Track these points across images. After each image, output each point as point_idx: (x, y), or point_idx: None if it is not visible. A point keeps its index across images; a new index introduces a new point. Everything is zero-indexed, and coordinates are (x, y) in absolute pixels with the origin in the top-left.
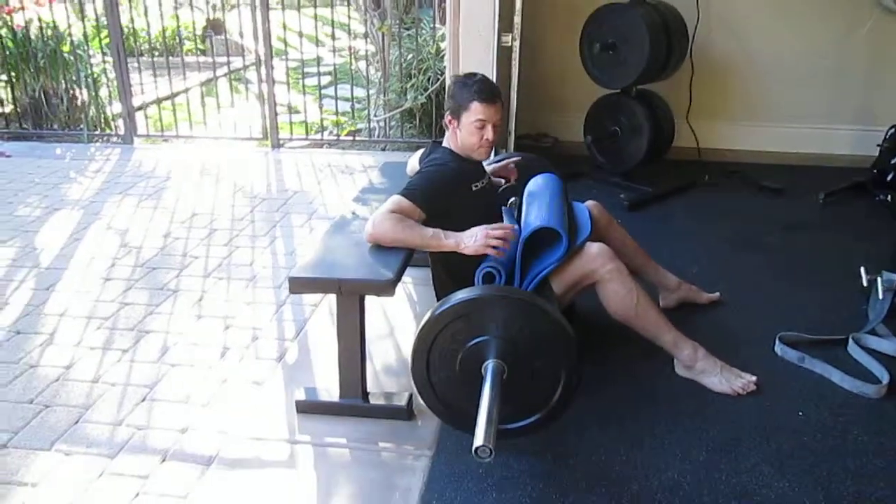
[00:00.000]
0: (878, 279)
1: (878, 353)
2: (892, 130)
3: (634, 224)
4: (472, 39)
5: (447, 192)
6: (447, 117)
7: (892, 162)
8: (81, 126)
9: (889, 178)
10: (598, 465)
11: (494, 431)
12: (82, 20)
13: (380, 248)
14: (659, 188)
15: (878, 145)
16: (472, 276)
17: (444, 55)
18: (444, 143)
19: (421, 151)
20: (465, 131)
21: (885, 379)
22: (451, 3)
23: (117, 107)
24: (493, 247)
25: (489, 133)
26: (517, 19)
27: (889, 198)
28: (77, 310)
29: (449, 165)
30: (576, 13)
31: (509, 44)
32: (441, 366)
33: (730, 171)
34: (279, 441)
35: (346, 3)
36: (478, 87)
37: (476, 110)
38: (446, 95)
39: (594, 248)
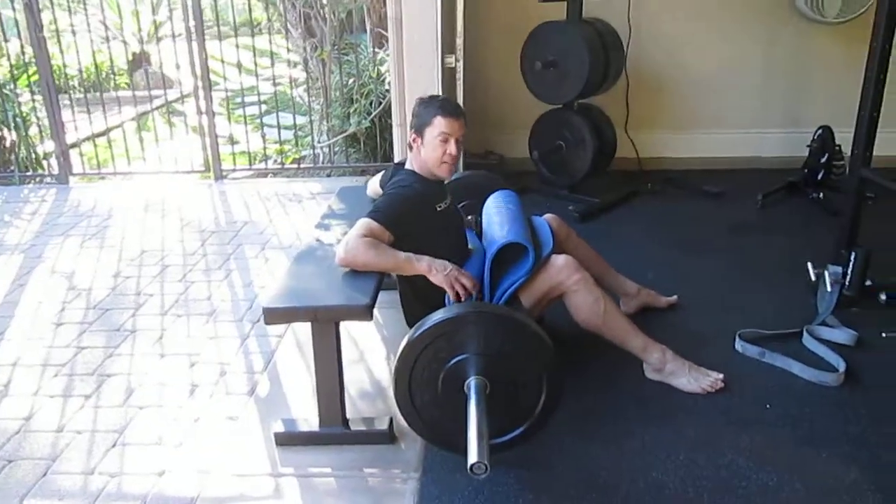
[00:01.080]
0: (825, 273)
1: (831, 342)
2: (820, 131)
3: (586, 234)
4: (416, 62)
5: (413, 213)
6: (411, 135)
7: (822, 161)
8: (12, 168)
9: (820, 176)
10: (585, 471)
11: (487, 447)
12: (6, 57)
13: (351, 273)
14: (606, 198)
15: (808, 146)
16: (439, 296)
17: (384, 79)
18: (407, 165)
19: (382, 174)
20: (429, 147)
21: (842, 367)
22: (393, 26)
23: (49, 146)
24: (456, 291)
25: (452, 148)
26: (459, 41)
27: (821, 195)
28: (30, 358)
29: (413, 187)
30: (516, 32)
31: (453, 64)
32: (424, 387)
33: (670, 178)
34: (262, 475)
35: (278, 32)
36: (441, 103)
37: (439, 124)
38: (411, 116)
39: (560, 260)
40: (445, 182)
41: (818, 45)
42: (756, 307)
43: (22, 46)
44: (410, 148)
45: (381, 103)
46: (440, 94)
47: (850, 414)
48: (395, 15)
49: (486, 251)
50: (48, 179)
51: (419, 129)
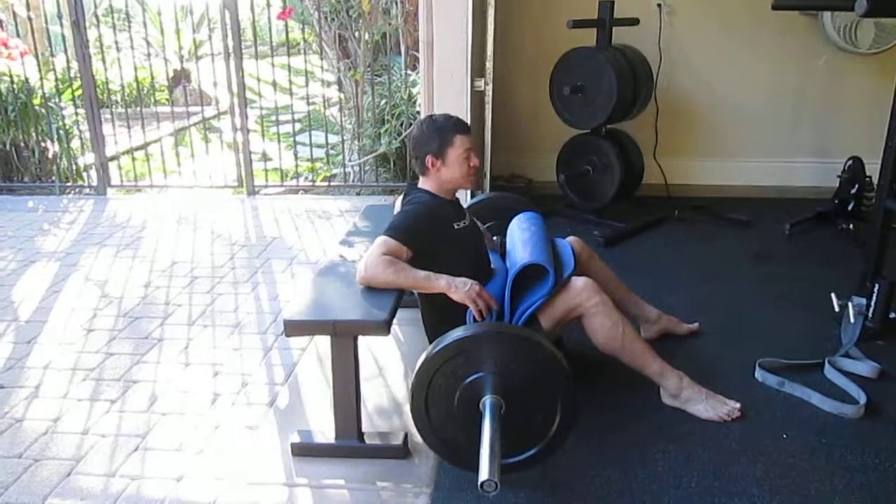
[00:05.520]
0: (849, 304)
1: (853, 374)
2: (851, 162)
3: (610, 259)
4: (445, 85)
5: (429, 229)
6: (429, 160)
7: (852, 192)
8: (53, 178)
9: (850, 207)
10: (596, 494)
11: (498, 465)
12: (53, 71)
13: (371, 289)
14: (632, 224)
15: (838, 176)
16: (461, 314)
17: (416, 100)
18: (420, 185)
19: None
20: (454, 165)
21: (863, 399)
22: (424, 50)
23: (89, 158)
24: (478, 307)
25: (475, 160)
26: (489, 65)
27: (851, 226)
28: (61, 362)
29: (428, 204)
30: (545, 58)
31: (482, 88)
32: (439, 403)
33: (697, 206)
34: (277, 485)
35: (314, 52)
36: (454, 122)
37: (461, 142)
38: (418, 143)
39: (580, 282)
40: (466, 204)
41: (850, 76)
42: (778, 337)
43: (68, 61)
44: (424, 173)
45: (411, 124)
46: (467, 116)
47: (869, 446)
48: (427, 38)
49: (508, 272)
50: (87, 190)
51: (439, 152)
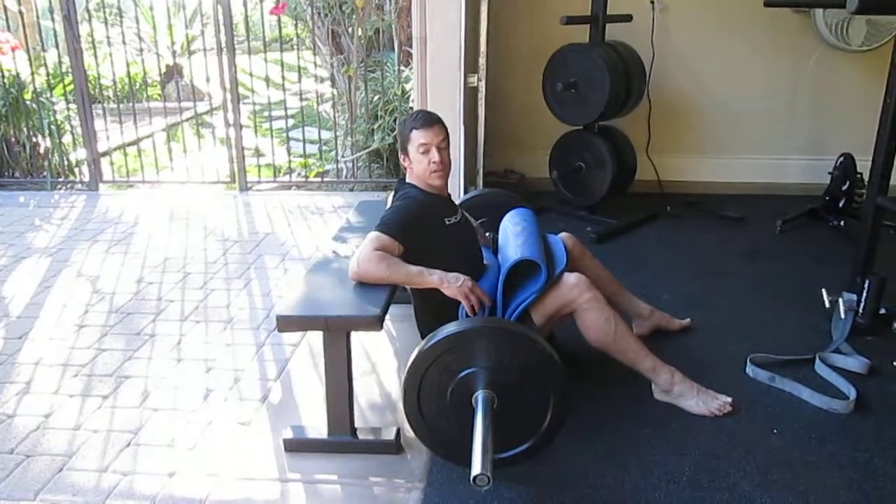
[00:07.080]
0: (840, 300)
1: (843, 370)
2: (842, 159)
3: (603, 255)
4: (439, 81)
5: (420, 223)
6: (401, 157)
7: (844, 189)
8: (44, 173)
9: (841, 204)
10: (588, 488)
11: (491, 460)
12: (44, 66)
13: (364, 284)
14: (624, 220)
15: (830, 173)
16: (453, 310)
17: (409, 96)
18: (408, 180)
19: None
20: (415, 161)
21: (853, 395)
22: (417, 46)
23: (81, 153)
24: (470, 303)
25: (435, 155)
26: (482, 61)
27: (842, 223)
28: (52, 358)
29: (417, 198)
30: (538, 54)
31: (475, 84)
32: (432, 398)
33: (690, 202)
34: (269, 480)
35: (307, 48)
36: (413, 118)
37: (416, 137)
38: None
39: (572, 278)
40: (458, 200)
41: (842, 73)
42: (769, 332)
43: (59, 56)
44: (404, 170)
45: None
46: (460, 112)
47: (859, 441)
48: (420, 34)
49: (501, 267)
50: (79, 186)
51: (403, 148)
